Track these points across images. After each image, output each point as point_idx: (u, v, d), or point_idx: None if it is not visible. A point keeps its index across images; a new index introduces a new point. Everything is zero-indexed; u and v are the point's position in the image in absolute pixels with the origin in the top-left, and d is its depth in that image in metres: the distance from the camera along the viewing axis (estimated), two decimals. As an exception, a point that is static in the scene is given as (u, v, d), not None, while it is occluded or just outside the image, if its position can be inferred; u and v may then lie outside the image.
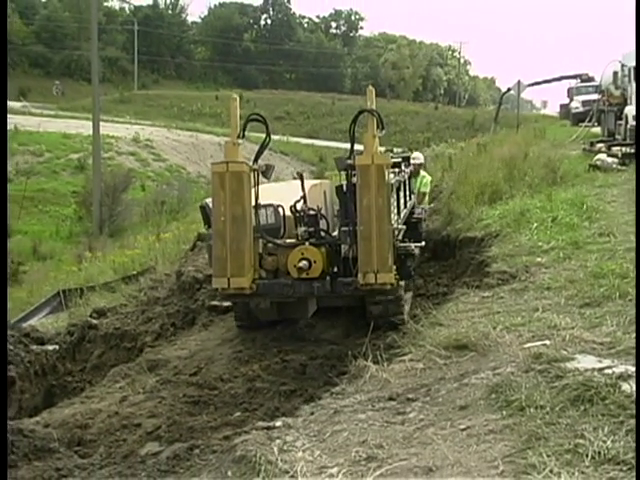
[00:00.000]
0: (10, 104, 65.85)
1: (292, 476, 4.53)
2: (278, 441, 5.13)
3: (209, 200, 9.07)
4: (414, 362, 6.96)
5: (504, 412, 5.08)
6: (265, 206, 8.91)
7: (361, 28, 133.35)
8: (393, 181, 9.06)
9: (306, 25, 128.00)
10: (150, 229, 26.68)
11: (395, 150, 15.90)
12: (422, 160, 15.80)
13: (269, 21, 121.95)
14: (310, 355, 8.69)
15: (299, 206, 8.95)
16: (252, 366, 8.55)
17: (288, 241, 8.85)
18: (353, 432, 5.23)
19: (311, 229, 8.81)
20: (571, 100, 41.58)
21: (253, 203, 8.67)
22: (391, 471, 4.47)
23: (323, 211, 9.46)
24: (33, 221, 35.57)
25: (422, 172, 15.20)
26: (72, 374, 10.51)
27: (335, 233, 9.09)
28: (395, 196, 9.36)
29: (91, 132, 36.86)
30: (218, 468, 5.03)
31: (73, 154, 44.76)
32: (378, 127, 8.57)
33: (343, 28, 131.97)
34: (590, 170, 18.03)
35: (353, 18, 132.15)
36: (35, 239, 30.85)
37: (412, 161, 13.94)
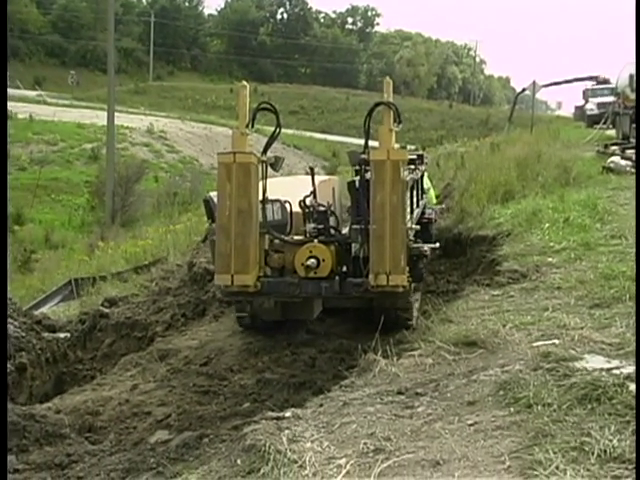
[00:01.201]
0: (25, 93, 66.49)
1: (301, 466, 4.57)
2: (287, 431, 5.17)
3: (213, 194, 8.75)
4: (423, 357, 6.98)
5: (512, 409, 5.11)
6: (272, 201, 8.56)
7: (377, 24, 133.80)
8: (408, 178, 8.67)
9: (322, 20, 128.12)
10: (162, 220, 26.73)
11: (409, 147, 15.70)
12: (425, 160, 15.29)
13: (285, 15, 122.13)
14: (320, 348, 8.71)
15: (308, 201, 8.63)
16: (262, 358, 8.59)
17: (296, 238, 8.47)
18: (361, 424, 5.27)
19: (320, 226, 8.43)
20: (586, 102, 41.44)
21: (260, 197, 8.34)
22: (398, 463, 4.51)
23: (332, 208, 9.07)
24: (46, 210, 35.70)
25: (427, 181, 14.55)
26: (83, 362, 10.56)
27: (345, 231, 8.74)
28: (409, 194, 9.06)
29: (105, 122, 36.96)
30: (227, 457, 5.08)
31: (87, 144, 44.90)
32: (395, 121, 8.20)
33: (359, 24, 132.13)
34: (603, 172, 17.97)
35: (369, 14, 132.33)
36: (48, 228, 30.96)
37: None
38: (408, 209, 8.77)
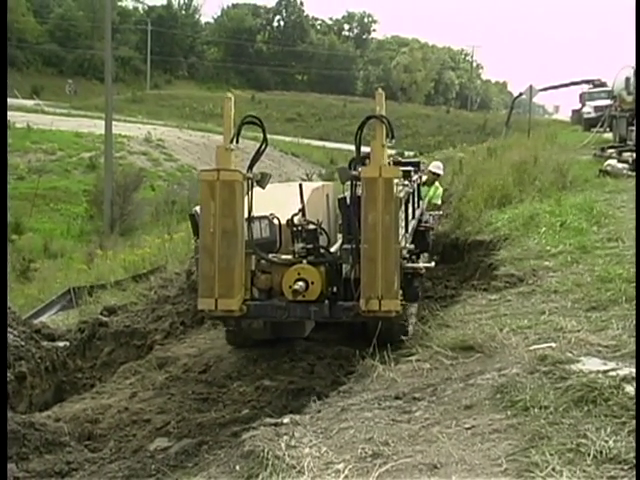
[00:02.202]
0: (23, 102, 66.53)
1: (299, 471, 4.59)
2: (285, 437, 5.20)
3: (199, 208, 8.16)
4: (421, 362, 7.02)
5: (509, 412, 5.14)
6: (259, 218, 8.03)
7: (374, 31, 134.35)
8: (402, 194, 8.22)
9: (319, 27, 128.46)
10: (161, 228, 26.72)
11: (407, 154, 15.67)
12: (441, 172, 14.73)
13: (282, 23, 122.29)
14: (318, 355, 8.74)
15: (296, 220, 8.05)
16: (260, 365, 8.62)
17: (284, 257, 7.96)
18: (359, 429, 5.30)
19: (309, 246, 7.90)
20: (583, 105, 41.51)
21: (246, 215, 7.85)
22: (396, 467, 4.54)
23: (324, 219, 8.64)
24: (44, 219, 35.70)
25: (437, 183, 14.57)
26: (82, 370, 10.57)
27: (334, 249, 8.35)
28: (403, 208, 8.63)
29: (103, 131, 36.97)
30: (226, 463, 5.10)
31: (85, 153, 44.96)
32: (387, 136, 7.59)
33: (356, 30, 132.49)
34: (600, 175, 18.02)
35: (366, 20, 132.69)
36: (46, 237, 30.94)
37: (431, 169, 13.75)
38: (402, 224, 8.39)
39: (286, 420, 5.74)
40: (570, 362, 5.92)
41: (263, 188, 8.03)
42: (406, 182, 9.27)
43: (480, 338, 7.10)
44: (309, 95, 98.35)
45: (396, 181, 7.47)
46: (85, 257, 24.62)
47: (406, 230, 8.87)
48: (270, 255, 7.93)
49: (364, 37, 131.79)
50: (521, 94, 43.31)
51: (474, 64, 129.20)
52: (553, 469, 4.16)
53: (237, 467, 4.89)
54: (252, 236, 7.81)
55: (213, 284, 7.42)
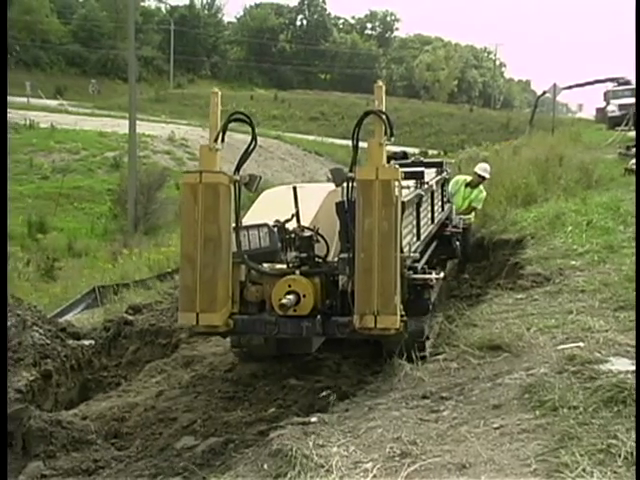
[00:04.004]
0: (47, 102, 66.92)
1: (327, 470, 4.60)
2: (313, 436, 5.21)
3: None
4: (448, 362, 7.01)
5: (537, 412, 5.13)
6: (258, 226, 7.42)
7: (396, 29, 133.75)
8: (407, 198, 7.56)
9: (341, 26, 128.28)
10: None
11: (430, 153, 15.44)
12: (488, 174, 13.75)
13: (304, 22, 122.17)
14: (344, 354, 8.71)
15: (290, 226, 7.51)
16: (286, 364, 8.59)
17: (278, 267, 7.34)
18: (387, 429, 5.30)
19: (303, 255, 7.29)
20: (607, 104, 41.20)
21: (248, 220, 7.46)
22: (425, 467, 4.53)
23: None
24: (68, 218, 35.82)
25: (481, 187, 13.75)
26: (107, 369, 10.60)
27: (330, 258, 7.54)
28: (414, 214, 8.21)
29: (126, 131, 37.05)
30: (254, 461, 5.11)
31: (109, 152, 45.08)
32: (386, 133, 6.92)
33: (378, 29, 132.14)
34: (626, 174, 17.92)
35: (388, 19, 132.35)
36: (70, 236, 31.06)
37: (477, 170, 13.51)
38: (414, 231, 8.09)
39: (314, 419, 5.76)
40: (599, 362, 5.90)
41: (251, 191, 7.58)
42: (417, 181, 8.72)
43: (507, 337, 7.09)
44: (332, 94, 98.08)
45: (397, 183, 6.77)
46: (109, 256, 24.73)
47: (418, 237, 8.37)
48: (265, 265, 7.35)
49: (387, 36, 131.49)
50: (545, 92, 43.10)
51: (497, 62, 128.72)
52: (583, 470, 4.14)
53: (265, 466, 4.90)
54: (240, 244, 7.20)
55: (194, 297, 6.88)
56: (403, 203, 7.04)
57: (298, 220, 7.54)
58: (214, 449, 6.27)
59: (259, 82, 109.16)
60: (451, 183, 12.96)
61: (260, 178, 7.50)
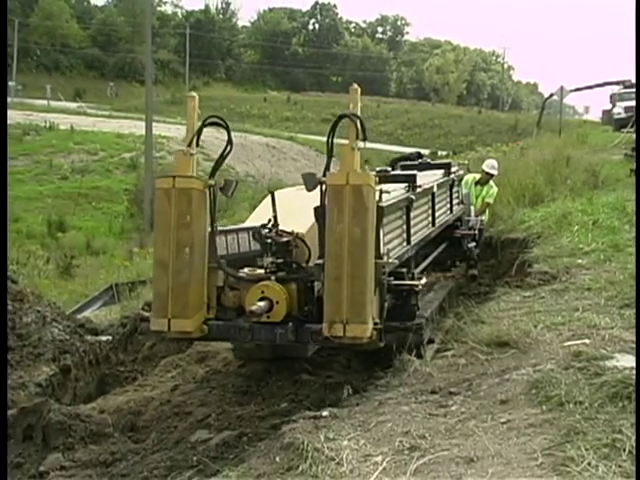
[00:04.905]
0: (66, 104, 67.15)
1: (338, 463, 4.60)
2: (324, 430, 5.21)
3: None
4: (456, 357, 7.00)
5: (544, 407, 5.12)
6: (248, 229, 7.23)
7: (407, 33, 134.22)
8: (389, 203, 7.13)
9: (353, 30, 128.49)
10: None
11: (439, 153, 15.29)
12: (496, 171, 13.61)
13: (317, 26, 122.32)
14: (354, 350, 8.67)
15: (266, 231, 6.97)
16: (298, 359, 8.58)
17: (259, 271, 6.93)
18: (397, 423, 5.29)
19: (280, 260, 6.84)
20: (613, 106, 40.97)
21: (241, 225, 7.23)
22: (433, 460, 4.53)
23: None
24: (87, 217, 35.98)
25: (491, 182, 13.53)
26: (124, 364, 10.62)
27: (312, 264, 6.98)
28: (404, 218, 7.86)
29: (143, 132, 37.19)
30: (266, 454, 5.11)
31: (126, 153, 45.27)
32: (358, 137, 6.58)
33: (389, 33, 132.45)
34: (631, 175, 17.83)
35: (399, 23, 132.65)
36: (89, 235, 31.19)
37: (485, 168, 13.44)
38: (403, 236, 7.73)
39: (325, 413, 5.75)
40: (604, 358, 5.89)
41: (227, 196, 7.31)
42: (408, 185, 8.29)
43: (515, 334, 7.07)
44: (343, 96, 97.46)
45: (372, 188, 6.36)
46: (126, 254, 24.81)
47: (408, 242, 7.96)
48: (247, 270, 7.03)
49: (397, 39, 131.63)
50: (552, 95, 43.01)
51: (505, 65, 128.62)
52: (589, 464, 4.13)
53: (277, 459, 4.90)
54: (216, 250, 6.91)
55: (166, 303, 6.58)
56: (382, 208, 6.70)
57: (276, 225, 7.06)
58: (228, 442, 6.27)
59: (272, 84, 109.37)
60: (462, 184, 12.84)
61: (237, 183, 7.28)
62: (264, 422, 6.69)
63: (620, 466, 4.10)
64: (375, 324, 6.28)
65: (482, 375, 6.21)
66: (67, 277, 22.72)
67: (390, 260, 6.73)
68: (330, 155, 6.78)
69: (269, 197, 7.42)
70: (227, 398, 7.73)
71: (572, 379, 5.45)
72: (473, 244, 11.33)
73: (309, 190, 6.70)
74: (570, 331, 7.06)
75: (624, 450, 4.26)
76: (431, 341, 8.04)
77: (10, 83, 62.27)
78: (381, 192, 6.75)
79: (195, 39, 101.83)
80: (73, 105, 69.45)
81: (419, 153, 11.78)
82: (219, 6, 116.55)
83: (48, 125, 48.42)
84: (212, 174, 6.98)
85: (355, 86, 6.94)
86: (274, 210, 7.12)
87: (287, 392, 7.59)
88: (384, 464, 4.56)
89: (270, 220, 7.07)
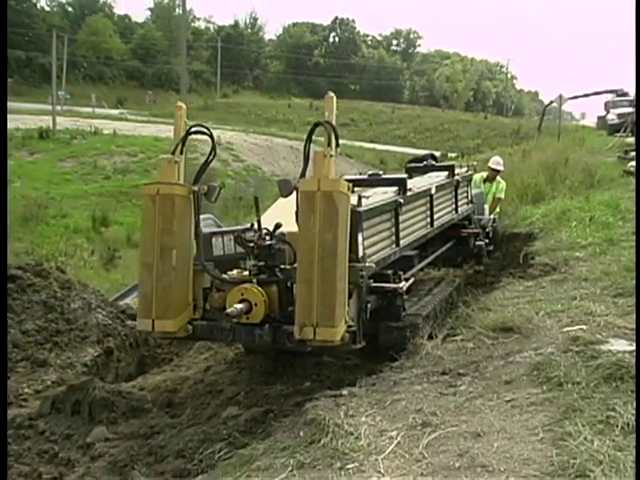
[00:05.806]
0: (110, 112, 67.41)
1: (356, 437, 4.60)
2: (344, 407, 5.21)
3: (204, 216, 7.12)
4: (465, 342, 6.98)
5: (544, 387, 5.11)
6: (223, 233, 7.15)
7: (419, 45, 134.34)
8: (370, 207, 6.69)
9: (369, 42, 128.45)
10: (230, 221, 26.86)
11: (449, 155, 15.12)
12: (501, 167, 13.41)
13: (337, 39, 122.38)
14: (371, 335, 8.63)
15: (249, 235, 6.65)
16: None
17: (245, 274, 6.63)
18: (410, 401, 5.29)
19: (261, 263, 6.51)
20: (608, 112, 40.79)
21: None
22: (443, 435, 4.53)
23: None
24: (127, 213, 36.01)
25: (499, 178, 13.42)
26: (161, 346, 10.62)
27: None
28: (393, 220, 7.37)
29: (179, 136, 37.26)
30: (291, 429, 5.13)
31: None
32: (329, 145, 6.15)
33: (402, 45, 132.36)
34: (624, 175, 17.77)
35: (412, 36, 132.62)
36: (129, 229, 31.26)
37: (490, 165, 13.34)
38: (393, 237, 7.36)
39: (344, 392, 5.75)
40: (600, 343, 5.87)
41: (211, 202, 6.86)
42: (396, 188, 7.72)
43: (518, 320, 7.06)
44: (361, 103, 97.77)
45: (346, 194, 5.97)
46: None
47: (397, 244, 7.47)
48: (234, 272, 6.77)
49: (410, 51, 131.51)
50: (552, 102, 42.77)
51: (509, 75, 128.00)
52: (585, 438, 4.13)
53: (301, 433, 4.92)
54: (201, 252, 6.64)
55: (151, 304, 6.36)
56: (359, 213, 6.32)
57: (259, 227, 6.67)
58: (256, 418, 6.28)
59: (296, 92, 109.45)
60: (472, 184, 12.54)
61: (220, 189, 6.98)
62: (289, 400, 6.69)
63: (614, 440, 4.11)
64: (349, 327, 5.97)
65: (488, 358, 6.20)
66: (110, 268, 22.80)
67: (367, 264, 6.36)
68: (307, 159, 6.36)
69: (280, 198, 7.09)
70: (255, 378, 7.73)
71: (570, 362, 5.43)
72: (483, 242, 11.00)
73: (283, 196, 6.46)
74: (569, 318, 7.04)
75: (617, 426, 4.26)
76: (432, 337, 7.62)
77: (60, 92, 62.44)
78: (359, 197, 6.44)
79: (225, 51, 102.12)
80: (115, 112, 69.72)
81: (433, 154, 11.55)
82: (247, 21, 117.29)
83: (93, 130, 48.55)
84: (196, 180, 6.67)
85: (331, 94, 6.63)
86: (257, 214, 6.81)
87: (310, 373, 7.57)
88: (398, 438, 4.57)
89: (259, 222, 6.71)
